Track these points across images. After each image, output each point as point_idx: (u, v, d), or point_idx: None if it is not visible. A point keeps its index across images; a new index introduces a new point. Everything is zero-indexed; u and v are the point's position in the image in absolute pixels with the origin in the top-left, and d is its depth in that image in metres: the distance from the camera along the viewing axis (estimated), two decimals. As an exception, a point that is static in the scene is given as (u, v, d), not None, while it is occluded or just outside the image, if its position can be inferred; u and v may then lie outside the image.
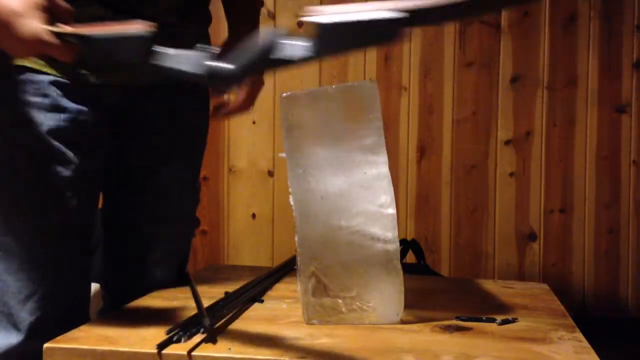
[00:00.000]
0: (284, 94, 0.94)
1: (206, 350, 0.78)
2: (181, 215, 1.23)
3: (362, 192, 0.90)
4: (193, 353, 0.76)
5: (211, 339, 0.81)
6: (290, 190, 0.91)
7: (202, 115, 1.24)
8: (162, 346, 0.76)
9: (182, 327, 0.82)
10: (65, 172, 1.01)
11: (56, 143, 1.00)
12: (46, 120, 0.99)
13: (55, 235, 1.02)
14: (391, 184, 0.91)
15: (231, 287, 1.11)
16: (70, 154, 1.01)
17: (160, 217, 1.18)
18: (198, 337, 0.80)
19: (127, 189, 1.18)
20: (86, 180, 1.04)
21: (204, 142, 1.27)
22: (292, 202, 0.91)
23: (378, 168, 0.91)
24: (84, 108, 1.03)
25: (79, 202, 1.03)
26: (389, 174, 0.91)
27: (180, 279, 1.20)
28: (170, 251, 1.20)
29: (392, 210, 0.91)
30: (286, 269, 1.35)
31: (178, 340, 0.78)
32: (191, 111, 1.20)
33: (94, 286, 1.93)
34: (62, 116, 1.01)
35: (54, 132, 1.00)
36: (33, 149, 1.00)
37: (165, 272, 1.19)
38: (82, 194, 1.04)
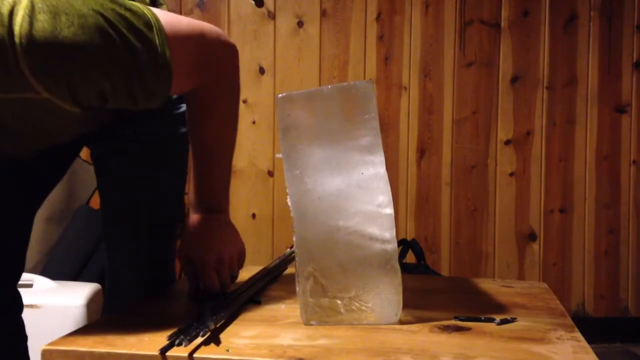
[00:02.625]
0: (280, 95, 0.94)
1: (204, 352, 0.78)
2: (158, 221, 1.23)
3: (360, 193, 0.90)
4: (183, 354, 0.76)
5: (215, 340, 0.81)
6: (287, 191, 0.91)
7: (173, 129, 1.24)
8: (164, 350, 0.76)
9: (183, 331, 0.82)
10: None
11: None
12: None
13: None
14: (388, 184, 0.91)
15: (231, 288, 1.11)
16: None
17: (138, 222, 1.19)
18: (199, 340, 0.80)
19: (111, 193, 1.21)
20: None
21: (181, 148, 1.26)
22: (289, 203, 0.91)
23: (375, 168, 0.91)
24: None
25: None
26: (386, 174, 0.91)
27: (171, 280, 1.22)
28: (155, 254, 1.21)
29: (389, 211, 0.90)
30: (284, 265, 1.36)
31: (180, 344, 0.78)
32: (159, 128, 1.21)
33: (95, 286, 1.93)
34: None
35: None
36: None
37: (152, 273, 1.20)
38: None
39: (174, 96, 1.21)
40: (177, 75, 0.89)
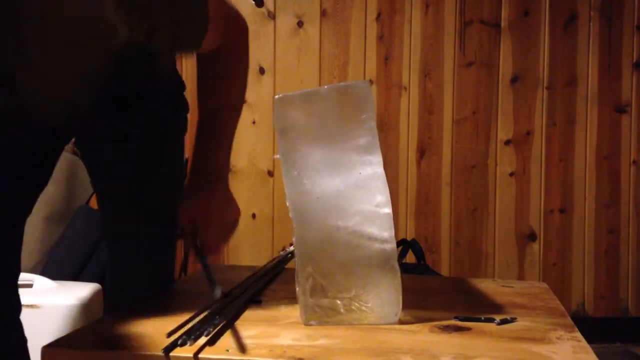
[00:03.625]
0: (278, 96, 0.94)
1: (204, 352, 0.77)
2: (161, 218, 1.23)
3: (358, 193, 0.90)
4: (188, 355, 0.76)
5: (218, 339, 0.82)
6: (286, 192, 0.91)
7: (174, 121, 1.25)
8: (168, 350, 0.76)
9: (186, 330, 0.82)
10: None
11: None
12: None
13: None
14: (386, 184, 0.91)
15: (231, 288, 1.11)
16: None
17: (138, 221, 1.19)
18: (203, 340, 0.80)
19: (112, 192, 1.20)
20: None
21: (179, 146, 1.27)
22: (288, 204, 0.91)
23: (373, 168, 0.91)
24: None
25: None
26: (384, 174, 0.91)
27: (171, 280, 1.22)
28: (155, 254, 1.21)
29: (388, 210, 0.90)
30: (281, 266, 1.36)
31: (183, 344, 0.78)
32: (161, 117, 1.21)
33: (95, 286, 1.93)
34: None
35: None
36: None
37: (152, 272, 1.20)
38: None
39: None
40: (210, 26, 0.93)
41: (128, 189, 1.19)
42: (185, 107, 1.26)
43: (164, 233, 1.23)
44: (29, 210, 1.20)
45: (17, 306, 1.18)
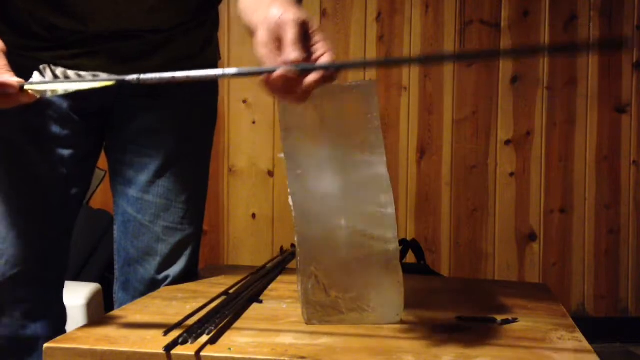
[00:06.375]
0: (283, 95, 0.94)
1: (206, 350, 0.78)
2: (186, 215, 1.23)
3: (361, 192, 0.90)
4: (191, 353, 0.76)
5: (219, 338, 0.82)
6: (289, 190, 0.91)
7: (203, 115, 1.25)
8: (169, 348, 0.76)
9: (187, 329, 0.82)
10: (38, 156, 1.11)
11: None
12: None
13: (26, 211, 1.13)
14: (390, 184, 0.91)
15: (231, 287, 1.11)
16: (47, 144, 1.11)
17: (162, 216, 1.19)
18: (204, 338, 0.80)
19: (130, 187, 1.21)
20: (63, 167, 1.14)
21: (208, 143, 1.27)
22: (291, 203, 0.91)
23: (377, 168, 0.91)
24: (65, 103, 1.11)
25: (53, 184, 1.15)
26: (387, 174, 0.91)
27: (189, 277, 1.22)
28: (178, 249, 1.21)
29: (391, 210, 0.90)
30: (283, 264, 1.36)
31: (184, 342, 0.78)
32: (189, 111, 1.20)
33: (95, 286, 1.93)
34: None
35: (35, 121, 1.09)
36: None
37: (172, 270, 1.20)
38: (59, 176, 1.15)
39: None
40: None
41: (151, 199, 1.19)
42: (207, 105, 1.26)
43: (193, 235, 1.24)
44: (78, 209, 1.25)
45: (65, 317, 1.19)
